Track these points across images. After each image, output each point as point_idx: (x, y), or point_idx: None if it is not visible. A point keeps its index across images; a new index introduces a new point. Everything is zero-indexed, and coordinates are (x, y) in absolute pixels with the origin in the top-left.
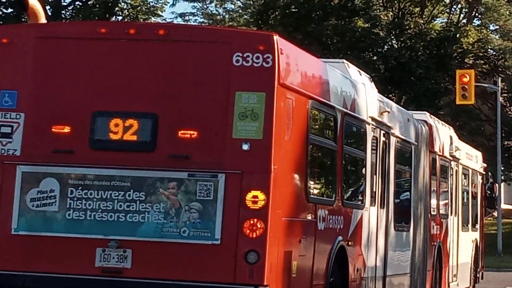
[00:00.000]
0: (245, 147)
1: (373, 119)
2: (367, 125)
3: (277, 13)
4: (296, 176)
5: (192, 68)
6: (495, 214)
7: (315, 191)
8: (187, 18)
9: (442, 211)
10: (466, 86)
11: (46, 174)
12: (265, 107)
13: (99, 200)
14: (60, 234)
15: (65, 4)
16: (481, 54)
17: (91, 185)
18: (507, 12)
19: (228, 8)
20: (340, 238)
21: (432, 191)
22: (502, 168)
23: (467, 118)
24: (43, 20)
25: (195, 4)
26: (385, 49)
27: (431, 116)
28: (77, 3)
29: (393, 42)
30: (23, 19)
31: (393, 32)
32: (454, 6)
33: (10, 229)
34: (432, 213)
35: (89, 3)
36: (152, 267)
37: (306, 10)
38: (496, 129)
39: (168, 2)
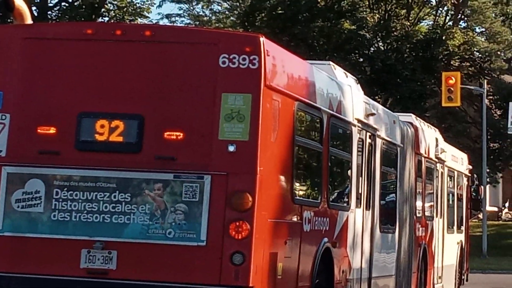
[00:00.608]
0: (231, 148)
1: (359, 121)
2: (353, 127)
3: (263, 14)
4: (282, 177)
5: (178, 69)
6: (480, 216)
7: (301, 193)
8: (173, 19)
9: (427, 213)
10: (452, 88)
11: (31, 175)
12: (251, 108)
13: (85, 201)
14: (45, 235)
15: (51, 5)
16: (467, 56)
17: (76, 186)
18: (493, 15)
19: (214, 10)
20: (325, 239)
21: (417, 193)
22: (488, 170)
23: (452, 120)
24: (29, 21)
25: (182, 5)
26: (371, 51)
27: (417, 118)
28: (63, 4)
29: (379, 44)
30: (9, 20)
31: (379, 34)
32: (440, 9)
33: None
34: (418, 215)
35: (75, 4)
36: (137, 268)
37: (292, 12)
38: (482, 131)
39: (155, 3)
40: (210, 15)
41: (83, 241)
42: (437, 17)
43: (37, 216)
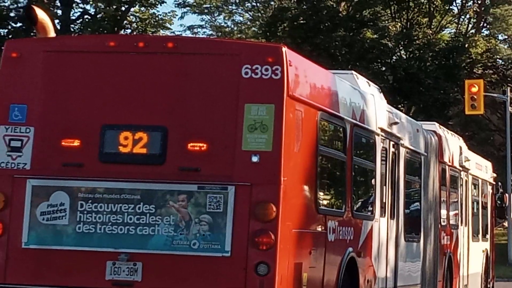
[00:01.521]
0: (255, 159)
1: (382, 130)
2: (376, 136)
3: (285, 25)
4: (306, 187)
5: (201, 80)
6: (506, 224)
7: (325, 202)
8: (195, 30)
9: (452, 222)
10: (475, 96)
11: (56, 187)
12: (274, 119)
13: (109, 213)
14: (70, 247)
15: (73, 18)
16: (489, 64)
17: (101, 198)
18: None
19: (236, 20)
20: (350, 249)
21: (442, 201)
22: None
23: (476, 128)
24: (52, 34)
25: (204, 16)
26: (394, 59)
27: (440, 126)
28: (85, 17)
29: (402, 52)
30: (32, 34)
31: (402, 43)
32: (463, 17)
33: (21, 242)
34: (442, 223)
35: (97, 16)
36: (162, 279)
37: (314, 21)
38: (506, 139)
39: (177, 15)
40: (232, 26)
41: (108, 253)
42: (459, 25)
43: (62, 229)
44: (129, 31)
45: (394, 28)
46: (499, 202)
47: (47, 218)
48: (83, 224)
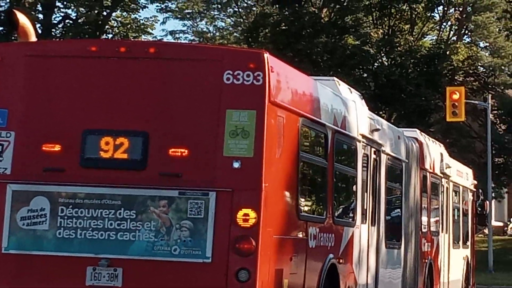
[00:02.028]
0: (236, 165)
1: (363, 136)
2: (357, 143)
3: (267, 30)
4: (287, 193)
5: (182, 86)
6: (486, 231)
7: (306, 209)
8: (177, 35)
9: (433, 228)
10: (456, 103)
11: (36, 192)
12: (255, 125)
13: (90, 219)
14: (51, 252)
15: (55, 22)
16: (471, 71)
17: (81, 204)
18: (497, 29)
19: (218, 26)
20: (331, 256)
21: (423, 208)
22: (493, 185)
23: (457, 135)
24: (33, 38)
25: (186, 22)
26: (375, 66)
27: (422, 133)
28: (67, 21)
29: (383, 59)
30: (13, 38)
31: (383, 50)
32: (444, 24)
33: (1, 248)
34: (423, 230)
35: (79, 21)
36: (143, 285)
37: (296, 27)
38: (487, 146)
39: (159, 20)
40: (214, 31)
41: (88, 258)
42: (441, 32)
43: (42, 234)
44: (110, 35)
45: (376, 35)
46: (479, 209)
47: (27, 223)
48: (63, 229)
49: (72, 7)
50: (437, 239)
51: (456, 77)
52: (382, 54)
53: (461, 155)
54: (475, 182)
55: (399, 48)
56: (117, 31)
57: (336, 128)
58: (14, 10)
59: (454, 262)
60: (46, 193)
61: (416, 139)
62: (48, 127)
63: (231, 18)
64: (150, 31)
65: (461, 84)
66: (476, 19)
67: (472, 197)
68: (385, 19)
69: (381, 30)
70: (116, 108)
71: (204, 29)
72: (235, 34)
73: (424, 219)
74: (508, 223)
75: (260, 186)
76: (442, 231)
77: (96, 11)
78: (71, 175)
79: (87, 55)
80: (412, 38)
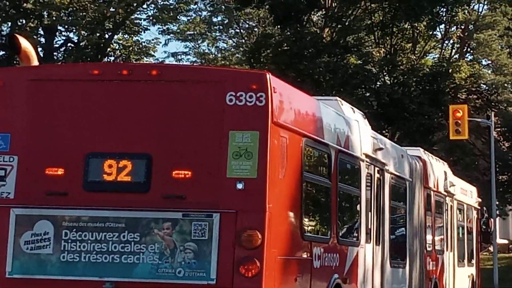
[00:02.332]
0: (240, 186)
1: (367, 155)
2: (361, 162)
3: (269, 51)
4: (291, 214)
5: (185, 108)
6: (491, 249)
7: (310, 229)
8: (179, 57)
9: (437, 247)
10: (459, 121)
11: (40, 216)
12: (259, 145)
13: (94, 242)
14: (55, 276)
15: (57, 46)
16: (473, 89)
17: (85, 227)
18: (499, 47)
19: (220, 47)
20: (336, 275)
21: (427, 227)
22: (497, 203)
23: (461, 153)
24: (35, 62)
25: (187, 43)
26: (378, 85)
27: (425, 151)
28: (69, 44)
29: (386, 78)
30: (15, 62)
31: (386, 68)
32: (446, 42)
33: (5, 272)
34: (428, 249)
35: (81, 44)
36: None
37: (298, 48)
38: (490, 163)
39: (160, 42)
40: (216, 52)
41: (93, 281)
42: (443, 51)
43: (46, 258)
44: (112, 58)
45: (378, 54)
46: (484, 227)
47: (31, 247)
48: (67, 253)
49: (74, 31)
50: (442, 258)
51: (459, 95)
52: (385, 73)
53: (465, 173)
54: (479, 200)
55: (401, 67)
56: (119, 53)
57: (339, 148)
58: (16, 35)
59: (459, 280)
60: (50, 217)
61: (420, 157)
62: (51, 151)
63: (233, 39)
64: (152, 53)
65: (464, 102)
66: (478, 37)
67: (476, 215)
68: (387, 38)
69: (383, 49)
70: (119, 131)
71: (206, 51)
72: (237, 55)
73: (429, 237)
74: None
75: (264, 207)
76: (447, 250)
77: (97, 34)
78: (75, 198)
79: (89, 78)
80: (414, 57)
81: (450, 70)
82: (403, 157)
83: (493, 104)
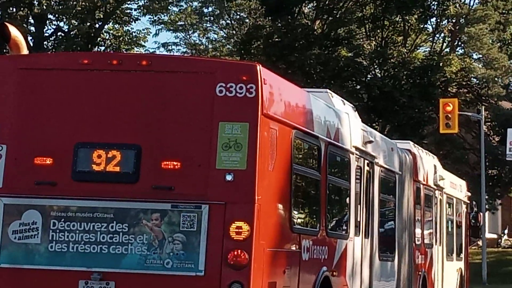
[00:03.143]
0: (229, 177)
1: (357, 148)
2: (351, 155)
3: (260, 42)
4: (280, 206)
5: (175, 98)
6: (480, 243)
7: (299, 221)
8: (170, 48)
9: (426, 241)
10: (450, 115)
11: (28, 206)
12: (248, 137)
13: (82, 232)
14: (43, 266)
15: (47, 35)
16: (464, 83)
17: (73, 217)
18: (490, 41)
19: (211, 38)
20: (324, 268)
21: (416, 220)
22: (486, 197)
23: (451, 147)
24: (25, 51)
25: (178, 34)
26: (368, 78)
27: (415, 145)
28: (59, 33)
29: (376, 71)
30: (5, 51)
31: (376, 61)
32: (437, 35)
33: None
34: (417, 242)
35: (71, 33)
36: None
37: (289, 39)
38: (480, 158)
39: (151, 32)
40: (207, 43)
41: (80, 272)
42: (434, 44)
43: (34, 248)
44: (103, 48)
45: (369, 47)
46: (473, 221)
47: (19, 236)
48: (55, 243)
49: (64, 20)
50: (431, 251)
51: (449, 89)
52: (375, 66)
53: (454, 167)
54: (469, 194)
55: (392, 60)
56: (109, 43)
57: (329, 140)
58: (6, 23)
59: (447, 274)
60: (38, 206)
61: (410, 151)
62: (40, 140)
63: (224, 30)
64: (143, 43)
65: (455, 95)
66: (469, 30)
67: (465, 209)
68: (378, 31)
69: (374, 42)
70: (108, 121)
71: (197, 41)
72: (228, 46)
73: (418, 231)
74: (502, 235)
75: (253, 199)
76: (435, 243)
77: (88, 24)
78: (63, 188)
79: (79, 67)
80: (405, 50)
81: (441, 64)
82: (393, 150)
83: (483, 98)
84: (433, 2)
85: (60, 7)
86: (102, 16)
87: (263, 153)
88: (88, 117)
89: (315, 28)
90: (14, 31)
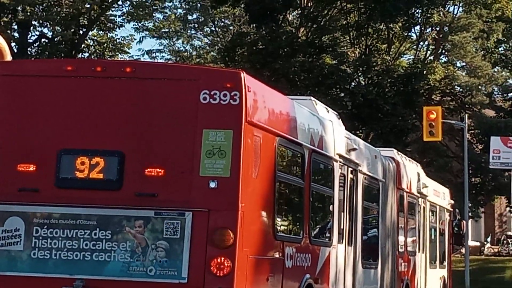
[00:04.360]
0: (213, 185)
1: (340, 156)
2: (334, 162)
3: (244, 50)
4: (264, 213)
5: (159, 105)
6: (463, 251)
7: (283, 229)
8: (154, 55)
9: (410, 248)
10: (433, 123)
11: (11, 213)
12: (232, 144)
13: (65, 239)
14: (25, 273)
15: (31, 41)
16: (448, 91)
17: (56, 224)
18: (474, 49)
19: (195, 45)
20: (307, 276)
21: (399, 228)
22: (470, 205)
23: (434, 155)
24: (8, 57)
25: (162, 41)
26: (352, 85)
27: (399, 153)
28: (43, 40)
29: (360, 78)
30: None
31: (360, 69)
32: (421, 43)
33: None
34: (400, 250)
35: (55, 40)
36: None
37: (273, 47)
38: (463, 165)
39: (135, 39)
40: (191, 50)
41: (63, 279)
42: (418, 52)
43: (17, 254)
44: (86, 54)
45: (353, 54)
46: (456, 229)
47: (1, 243)
48: (38, 250)
49: (48, 26)
50: (414, 259)
51: (433, 97)
52: (359, 74)
53: (438, 175)
54: (452, 201)
55: (376, 68)
56: (93, 50)
57: (313, 147)
58: None
59: (431, 282)
60: (21, 213)
61: (393, 158)
62: (23, 147)
63: (208, 37)
64: (127, 50)
65: (438, 103)
66: (453, 38)
67: (449, 217)
68: (362, 38)
69: (358, 50)
70: (92, 128)
71: (181, 48)
72: (212, 53)
73: (401, 239)
74: (485, 243)
75: (237, 206)
76: (419, 251)
77: (72, 30)
78: (46, 195)
79: (63, 74)
80: (389, 58)
81: (424, 72)
82: (376, 158)
83: (467, 106)
84: (417, 10)
85: (44, 13)
86: (86, 23)
87: (247, 160)
88: (71, 124)
89: (300, 35)
90: None
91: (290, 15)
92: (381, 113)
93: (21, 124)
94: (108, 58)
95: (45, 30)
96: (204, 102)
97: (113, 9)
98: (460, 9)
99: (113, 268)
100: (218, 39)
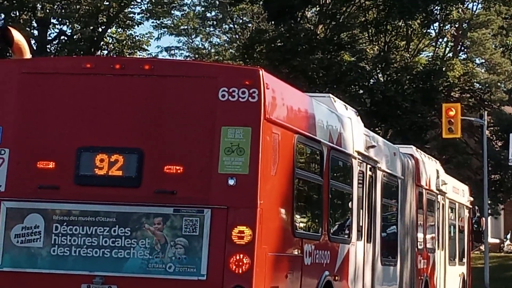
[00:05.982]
0: (231, 182)
1: (359, 153)
2: (353, 159)
3: (262, 47)
4: (283, 210)
5: (177, 103)
6: (482, 248)
7: (302, 226)
8: (172, 52)
9: (429, 245)
10: (452, 120)
11: (31, 210)
12: (251, 141)
13: (84, 236)
14: (45, 270)
15: (50, 38)
16: (467, 88)
17: (76, 221)
18: (493, 46)
19: (213, 42)
20: (326, 273)
21: (419, 225)
22: (489, 202)
23: (453, 152)
24: (28, 55)
25: (181, 38)
26: (371, 83)
27: (418, 150)
28: (62, 37)
29: (379, 75)
30: (8, 55)
31: (379, 66)
32: (440, 40)
33: None
34: (419, 247)
35: (74, 37)
36: None
37: (291, 44)
38: (483, 162)
39: (154, 36)
40: (209, 47)
41: (83, 276)
42: (436, 49)
43: (37, 251)
44: (106, 52)
45: (372, 51)
46: (475, 226)
47: (21, 240)
48: (57, 246)
49: (67, 24)
50: (433, 256)
51: (452, 94)
52: (378, 71)
53: (457, 172)
54: (471, 198)
55: (395, 65)
56: (112, 47)
57: (331, 145)
58: (9, 27)
59: (450, 279)
60: (41, 210)
61: (412, 155)
62: (42, 144)
63: (227, 35)
64: (146, 47)
65: (457, 100)
66: (472, 35)
67: (468, 214)
68: (381, 35)
69: (376, 47)
70: (111, 125)
71: (200, 46)
72: (230, 50)
73: (420, 236)
74: (505, 240)
75: (256, 204)
76: (438, 248)
77: (91, 28)
78: (66, 192)
79: (81, 72)
80: (408, 55)
81: (443, 69)
82: (395, 155)
83: (486, 103)
84: (436, 7)
85: (63, 11)
86: (105, 20)
87: (266, 157)
88: (90, 121)
89: (318, 32)
90: (17, 35)
91: (309, 12)
92: (400, 110)
93: (41, 121)
94: (127, 56)
95: (64, 28)
96: (222, 99)
97: (132, 6)
98: (479, 5)
99: (132, 265)
100: (237, 36)
